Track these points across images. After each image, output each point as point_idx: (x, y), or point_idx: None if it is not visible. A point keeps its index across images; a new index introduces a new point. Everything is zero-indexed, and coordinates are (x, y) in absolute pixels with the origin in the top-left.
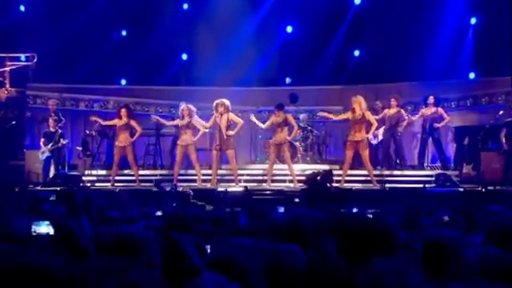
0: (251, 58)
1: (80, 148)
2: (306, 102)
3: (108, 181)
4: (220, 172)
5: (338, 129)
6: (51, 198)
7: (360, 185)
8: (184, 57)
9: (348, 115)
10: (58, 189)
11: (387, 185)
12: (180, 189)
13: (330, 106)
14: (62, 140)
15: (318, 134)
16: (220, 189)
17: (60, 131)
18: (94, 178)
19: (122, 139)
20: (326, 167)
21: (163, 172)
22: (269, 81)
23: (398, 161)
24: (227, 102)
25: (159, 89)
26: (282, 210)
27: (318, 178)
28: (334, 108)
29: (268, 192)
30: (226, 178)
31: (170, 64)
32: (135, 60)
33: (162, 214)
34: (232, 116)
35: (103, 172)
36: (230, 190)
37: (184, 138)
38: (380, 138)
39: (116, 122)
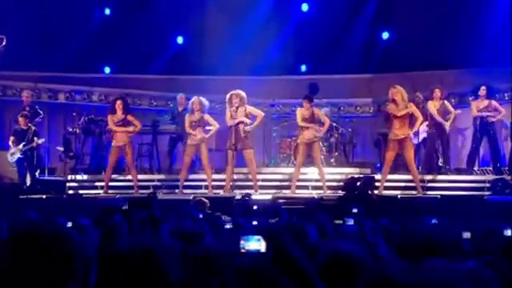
0: (261, 41)
1: (61, 148)
2: (327, 94)
3: (94, 187)
4: (221, 176)
5: (366, 125)
6: (123, 208)
7: (398, 192)
8: (179, 40)
9: (392, 108)
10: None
11: (437, 192)
12: (191, 196)
13: (357, 97)
14: (36, 139)
15: (344, 132)
16: (238, 197)
17: (34, 128)
18: (78, 185)
19: (120, 138)
20: (354, 171)
21: (161, 177)
22: (282, 69)
23: (441, 163)
24: (243, 94)
25: (153, 78)
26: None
27: (358, 183)
28: (363, 100)
29: (299, 200)
30: (236, 183)
31: (164, 49)
32: (122, 44)
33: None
34: (250, 109)
35: (88, 177)
36: (252, 198)
37: (195, 137)
38: (421, 136)
39: (110, 119)
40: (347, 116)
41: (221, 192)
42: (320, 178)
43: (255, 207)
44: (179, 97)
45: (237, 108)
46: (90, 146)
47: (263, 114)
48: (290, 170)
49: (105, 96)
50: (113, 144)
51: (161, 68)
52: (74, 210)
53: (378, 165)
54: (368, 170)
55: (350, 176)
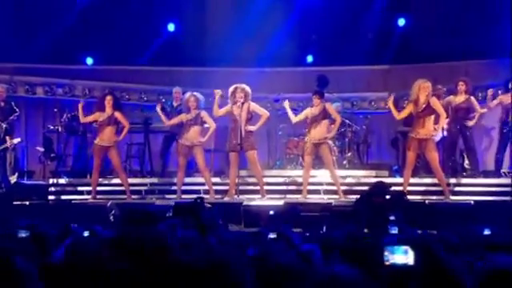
0: (264, 30)
1: (41, 149)
2: (338, 88)
3: (80, 192)
4: (217, 180)
5: (382, 122)
6: (168, 214)
7: (419, 197)
8: (170, 28)
9: (410, 108)
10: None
11: (466, 198)
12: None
13: (372, 91)
14: (9, 138)
15: (358, 130)
16: (246, 202)
17: (4, 126)
18: (61, 189)
19: (106, 137)
20: (369, 174)
21: (154, 180)
22: (287, 60)
23: (466, 165)
24: (247, 88)
25: (143, 70)
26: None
27: (387, 188)
28: (378, 95)
29: (314, 207)
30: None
31: (156, 37)
32: (107, 31)
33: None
34: (254, 106)
35: (72, 180)
36: (258, 203)
37: (189, 136)
38: (440, 134)
39: (97, 115)
40: (361, 112)
41: (225, 197)
42: (334, 182)
43: (271, 212)
44: (174, 91)
45: (242, 104)
46: (72, 146)
47: (268, 114)
48: (298, 172)
49: (89, 90)
50: (96, 141)
51: (152, 58)
52: (63, 217)
53: (396, 167)
54: (385, 173)
55: (377, 180)
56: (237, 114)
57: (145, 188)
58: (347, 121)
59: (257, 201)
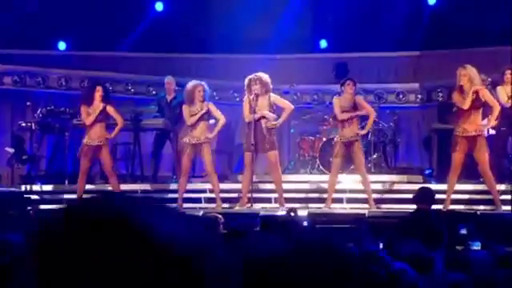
0: (272, 9)
1: (10, 150)
2: (359, 78)
3: (59, 201)
4: (224, 187)
5: (412, 119)
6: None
7: (461, 206)
8: (158, 7)
9: (457, 99)
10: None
11: None
12: (200, 212)
13: (400, 82)
14: None
15: (385, 127)
16: (264, 213)
17: None
18: (39, 197)
19: (96, 135)
20: (400, 179)
21: (146, 187)
22: (297, 45)
23: None
24: (265, 77)
25: (129, 57)
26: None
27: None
28: (407, 86)
29: (343, 218)
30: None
31: (143, 19)
32: (84, 12)
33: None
34: (275, 98)
35: (50, 187)
36: (278, 214)
37: (196, 133)
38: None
39: (83, 111)
40: (387, 106)
41: (236, 207)
42: (365, 189)
43: (305, 223)
44: (166, 81)
45: (257, 97)
46: (47, 146)
47: (292, 108)
48: (315, 177)
49: (65, 80)
50: (85, 141)
51: (139, 43)
52: None
53: (428, 171)
54: (418, 178)
55: (422, 186)
56: (255, 107)
57: (135, 196)
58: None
59: (276, 211)
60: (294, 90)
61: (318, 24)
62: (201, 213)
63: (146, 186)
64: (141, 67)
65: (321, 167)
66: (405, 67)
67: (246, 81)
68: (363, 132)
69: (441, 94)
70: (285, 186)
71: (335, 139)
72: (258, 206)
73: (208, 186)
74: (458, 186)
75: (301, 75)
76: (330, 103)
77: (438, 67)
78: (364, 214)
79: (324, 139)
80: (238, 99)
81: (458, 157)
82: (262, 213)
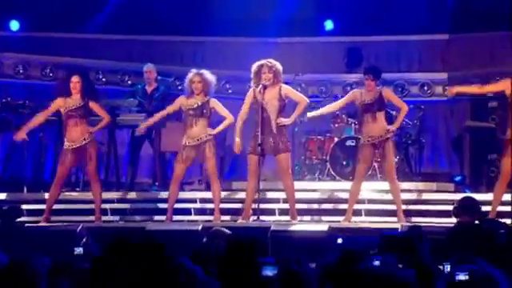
0: None
1: None
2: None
3: (16, 213)
4: (222, 195)
5: (439, 115)
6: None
7: (508, 220)
8: None
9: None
10: None
11: None
12: (199, 226)
13: (425, 71)
14: None
15: (409, 126)
16: (276, 227)
17: None
18: None
19: (76, 135)
20: (428, 187)
21: (123, 195)
22: (301, 27)
23: None
24: (278, 65)
25: (98, 39)
26: None
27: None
28: (433, 76)
29: (371, 233)
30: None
31: None
32: None
33: None
34: (287, 89)
35: (3, 196)
36: (293, 229)
37: (194, 133)
38: None
39: (59, 103)
40: (410, 101)
41: (239, 220)
42: (393, 198)
43: (340, 241)
44: (146, 70)
45: (264, 88)
46: (1, 147)
47: (307, 101)
48: (325, 185)
49: (23, 67)
50: (65, 147)
51: (111, 23)
52: (16, 247)
53: (459, 177)
54: (449, 186)
55: (465, 196)
56: (261, 100)
57: (111, 206)
58: (394, 112)
59: (290, 225)
60: (298, 81)
61: (325, 2)
62: (200, 226)
63: (123, 195)
64: (114, 52)
65: (332, 172)
66: (430, 53)
67: (255, 67)
68: (393, 128)
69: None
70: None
71: (361, 141)
72: (265, 219)
73: (199, 194)
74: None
75: (306, 62)
76: (342, 96)
77: (471, 53)
78: (396, 229)
79: (336, 139)
80: (230, 91)
81: (507, 162)
82: (273, 227)
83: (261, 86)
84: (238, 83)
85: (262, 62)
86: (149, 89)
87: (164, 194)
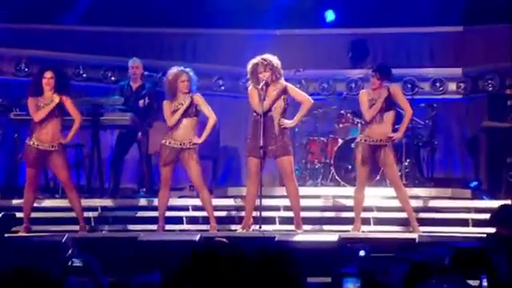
0: None
1: None
2: (383, 61)
3: None
4: (218, 203)
5: (452, 114)
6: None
7: None
8: None
9: None
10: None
11: None
12: (196, 236)
13: (437, 67)
14: None
15: (420, 126)
16: (281, 237)
17: None
18: None
19: (45, 136)
20: (442, 193)
21: (107, 203)
22: (300, 18)
23: None
24: (275, 60)
25: (77, 31)
26: None
27: None
28: (447, 72)
29: (386, 244)
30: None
31: None
32: None
33: None
34: (290, 88)
35: None
36: (299, 239)
37: (179, 135)
38: None
39: (30, 104)
40: (421, 99)
41: (239, 229)
42: (402, 206)
43: (362, 253)
44: (131, 65)
45: (266, 86)
46: None
47: (312, 102)
48: (329, 190)
49: None
50: (30, 142)
51: (92, 13)
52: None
53: (475, 183)
54: (466, 193)
55: (504, 204)
56: (265, 100)
57: (94, 214)
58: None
59: (296, 236)
60: (298, 77)
61: None
62: (197, 236)
63: (107, 202)
64: (96, 45)
65: (336, 177)
66: (443, 47)
67: (250, 67)
68: (397, 135)
69: (491, 82)
70: (287, 202)
71: (357, 139)
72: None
73: (191, 201)
74: None
75: (307, 57)
76: (348, 94)
77: (487, 47)
78: (414, 239)
79: (340, 141)
80: (223, 88)
81: None
82: (278, 237)
83: (263, 82)
84: (231, 79)
85: (257, 60)
86: (134, 86)
87: (152, 201)
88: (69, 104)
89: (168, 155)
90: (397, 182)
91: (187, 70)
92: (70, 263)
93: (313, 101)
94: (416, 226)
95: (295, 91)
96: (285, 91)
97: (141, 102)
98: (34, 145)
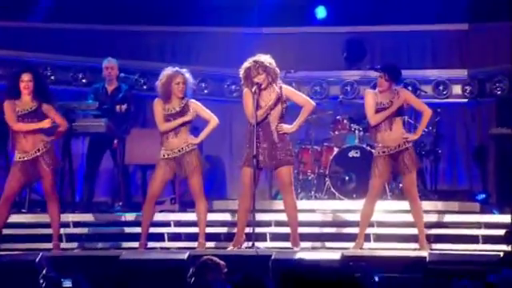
0: None
1: None
2: (380, 61)
3: None
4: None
5: (458, 121)
6: None
7: None
8: None
9: None
10: None
11: None
12: (185, 255)
13: (441, 68)
14: None
15: (421, 133)
16: (278, 256)
17: None
18: None
19: (28, 146)
20: (449, 207)
21: (79, 218)
22: (291, 14)
23: None
24: (265, 61)
25: (45, 28)
26: None
27: None
28: (451, 74)
29: (394, 263)
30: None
31: None
32: None
33: None
34: (288, 91)
35: None
36: (299, 257)
37: (173, 144)
38: None
39: (7, 109)
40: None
41: (230, 247)
42: (415, 221)
43: (376, 279)
44: (106, 65)
45: (259, 89)
46: None
47: (314, 105)
48: (324, 204)
49: None
50: (16, 159)
51: (62, 10)
52: None
53: (482, 195)
54: (474, 206)
55: None
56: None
57: (65, 231)
58: (406, 117)
59: (295, 254)
60: (289, 79)
61: None
62: (186, 255)
63: (79, 217)
64: (65, 44)
65: (332, 189)
66: (446, 47)
67: (243, 72)
68: (415, 136)
69: (500, 85)
70: (280, 217)
71: (374, 154)
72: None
73: (172, 217)
74: None
75: (298, 57)
76: (343, 97)
77: (495, 46)
78: (424, 258)
79: (336, 149)
80: (206, 91)
81: None
82: (275, 256)
83: (255, 86)
84: (215, 82)
85: (248, 63)
86: (109, 88)
87: (129, 216)
88: (53, 114)
89: (167, 168)
90: (413, 193)
91: (183, 71)
92: (43, 284)
93: (314, 103)
94: (424, 244)
95: (294, 93)
96: (282, 94)
97: (118, 107)
98: (21, 159)
